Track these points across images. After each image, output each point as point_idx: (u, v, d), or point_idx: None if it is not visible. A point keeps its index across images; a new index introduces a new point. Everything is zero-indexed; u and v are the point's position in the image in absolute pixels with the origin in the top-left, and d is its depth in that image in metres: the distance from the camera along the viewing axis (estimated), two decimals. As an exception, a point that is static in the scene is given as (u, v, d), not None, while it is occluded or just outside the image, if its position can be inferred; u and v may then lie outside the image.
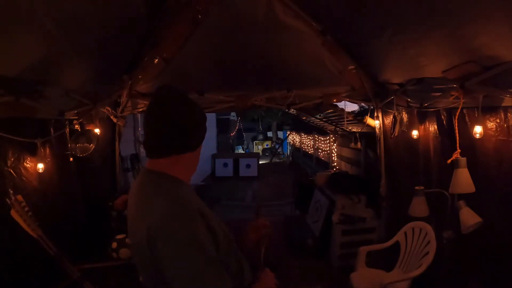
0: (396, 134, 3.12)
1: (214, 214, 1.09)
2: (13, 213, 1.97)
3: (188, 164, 1.10)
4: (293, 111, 4.70)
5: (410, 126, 2.92)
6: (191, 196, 1.05)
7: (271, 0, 2.41)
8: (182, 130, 1.03)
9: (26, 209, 2.05)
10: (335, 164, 7.26)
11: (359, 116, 4.08)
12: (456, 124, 2.13)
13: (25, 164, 2.29)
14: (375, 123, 3.56)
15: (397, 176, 3.31)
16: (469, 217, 1.92)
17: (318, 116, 5.97)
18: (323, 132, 8.94)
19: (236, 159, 11.90)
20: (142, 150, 5.87)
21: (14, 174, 2.18)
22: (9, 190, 2.02)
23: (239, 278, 1.10)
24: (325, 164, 9.37)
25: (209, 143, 13.05)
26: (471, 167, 1.97)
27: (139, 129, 6.00)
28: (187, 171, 1.11)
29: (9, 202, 1.99)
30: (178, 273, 0.91)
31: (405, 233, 2.73)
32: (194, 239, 0.92)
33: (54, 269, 2.37)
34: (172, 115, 1.02)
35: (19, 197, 2.04)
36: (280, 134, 23.09)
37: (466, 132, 2.14)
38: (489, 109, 1.98)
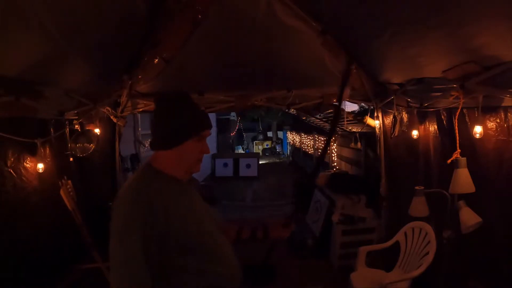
0: (396, 134, 3.11)
1: (192, 206, 1.18)
2: (61, 191, 2.53)
3: (173, 160, 1.18)
4: (293, 111, 4.70)
5: (410, 126, 2.92)
6: (153, 187, 1.09)
7: (271, 0, 2.41)
8: (159, 131, 1.17)
9: (70, 190, 2.63)
10: (335, 164, 7.26)
11: (359, 116, 4.08)
12: (456, 124, 2.13)
13: (25, 164, 2.29)
14: (375, 123, 3.56)
15: (397, 176, 3.31)
16: (469, 217, 1.92)
17: (318, 116, 5.98)
18: (323, 132, 8.93)
19: (236, 159, 11.88)
20: (142, 150, 5.88)
21: (14, 174, 2.18)
22: (64, 176, 2.62)
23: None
24: (325, 164, 9.37)
25: (209, 143, 12.92)
26: (471, 167, 1.96)
27: (139, 129, 6.00)
28: (172, 165, 1.18)
29: (60, 183, 2.56)
30: (110, 251, 1.01)
31: (405, 233, 2.73)
32: (121, 230, 1.00)
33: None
34: (156, 119, 1.18)
35: (69, 181, 2.66)
36: (280, 134, 23.09)
37: (466, 132, 2.14)
38: (489, 109, 1.98)
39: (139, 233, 0.98)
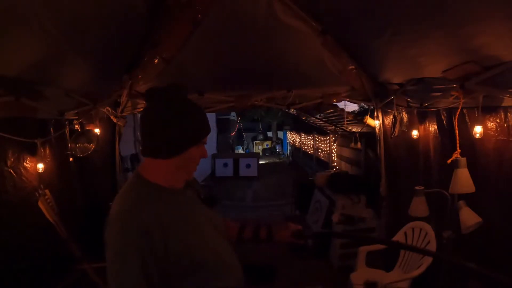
0: (396, 134, 3.12)
1: (191, 222, 1.07)
2: (39, 203, 2.35)
3: (171, 169, 1.06)
4: (293, 111, 4.71)
5: (410, 126, 2.92)
6: (148, 207, 0.99)
7: (271, 0, 2.41)
8: (158, 137, 1.02)
9: (49, 200, 2.45)
10: (335, 164, 7.26)
11: (359, 116, 4.08)
12: (456, 124, 2.13)
13: (25, 164, 2.29)
14: (375, 123, 3.56)
15: (397, 176, 3.31)
16: (469, 217, 1.92)
17: (318, 116, 5.98)
18: (323, 132, 8.94)
19: (236, 159, 11.91)
20: (142, 150, 5.87)
21: (14, 174, 2.18)
22: (40, 185, 2.39)
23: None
24: (325, 164, 9.37)
25: (209, 143, 13.02)
26: (471, 167, 1.96)
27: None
28: (169, 174, 1.07)
29: (37, 194, 2.34)
30: (108, 274, 0.94)
31: (405, 233, 2.74)
32: (117, 260, 0.93)
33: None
34: (153, 121, 1.03)
35: (47, 191, 2.45)
36: (280, 134, 23.12)
37: (466, 132, 2.14)
38: (489, 109, 1.98)
39: (136, 260, 0.91)
